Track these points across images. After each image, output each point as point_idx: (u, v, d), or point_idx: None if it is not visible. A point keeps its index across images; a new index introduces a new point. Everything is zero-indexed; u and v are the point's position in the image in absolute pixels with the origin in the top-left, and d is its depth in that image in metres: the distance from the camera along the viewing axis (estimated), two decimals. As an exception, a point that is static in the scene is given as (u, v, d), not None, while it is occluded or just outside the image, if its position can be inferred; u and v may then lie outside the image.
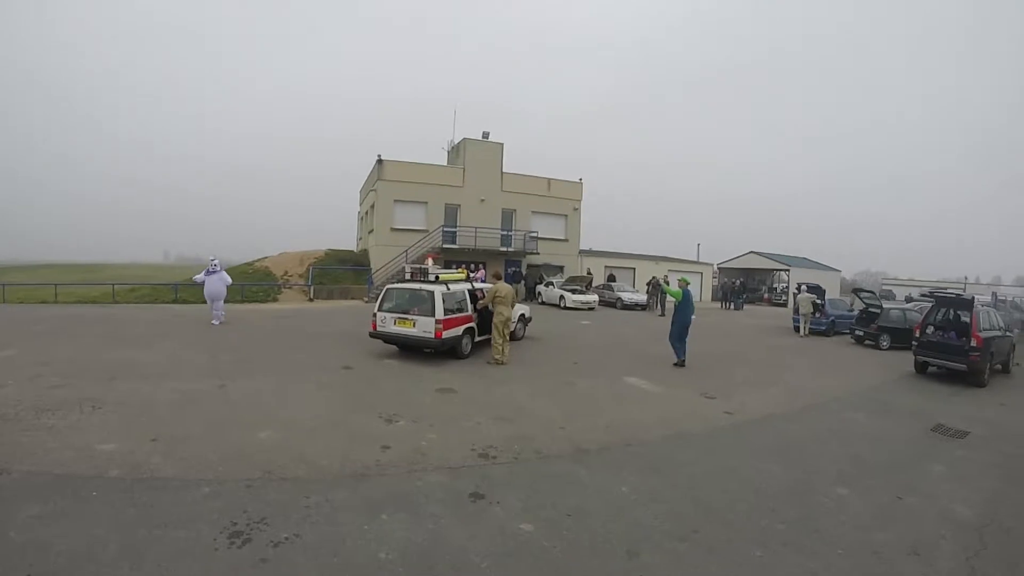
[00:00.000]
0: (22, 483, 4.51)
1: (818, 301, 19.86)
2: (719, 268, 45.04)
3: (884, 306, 18.47)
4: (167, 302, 21.26)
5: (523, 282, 26.15)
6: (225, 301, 15.23)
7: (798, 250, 52.61)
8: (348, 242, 39.60)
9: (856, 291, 20.94)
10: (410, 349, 10.83)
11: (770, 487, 5.26)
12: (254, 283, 24.70)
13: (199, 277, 15.07)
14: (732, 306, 32.10)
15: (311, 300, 23.55)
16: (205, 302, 15.24)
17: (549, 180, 31.04)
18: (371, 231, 28.85)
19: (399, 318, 10.42)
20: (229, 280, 15.42)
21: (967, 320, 11.92)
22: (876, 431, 7.59)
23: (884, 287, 50.45)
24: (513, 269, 28.11)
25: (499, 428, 6.60)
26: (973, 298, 12.61)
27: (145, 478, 4.69)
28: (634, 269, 34.36)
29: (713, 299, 38.18)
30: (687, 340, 11.54)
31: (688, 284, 11.93)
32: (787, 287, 40.66)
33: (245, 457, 5.25)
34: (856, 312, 19.64)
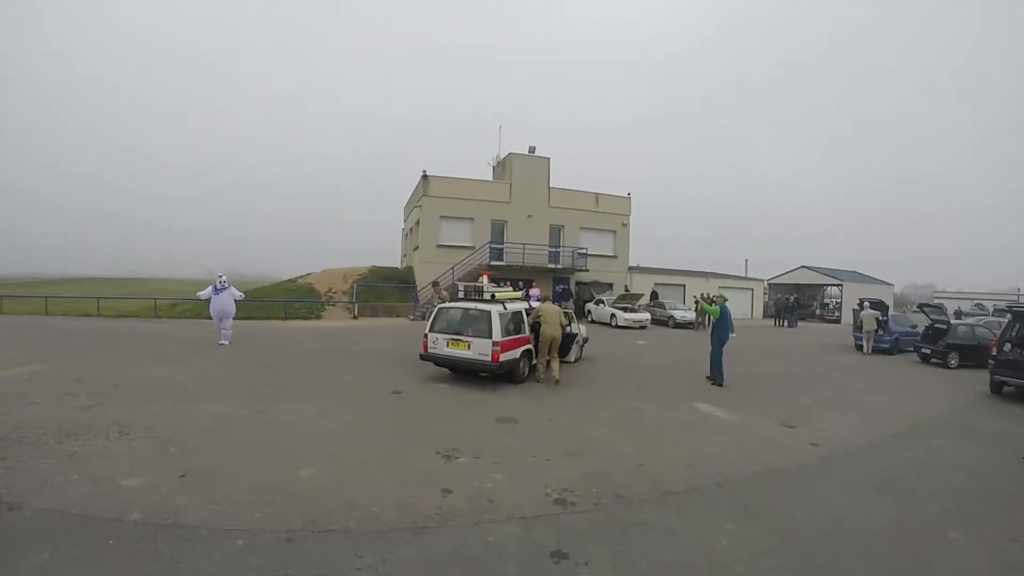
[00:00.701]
0: (34, 522, 3.94)
1: (881, 318, 18.65)
2: (769, 284, 43.26)
3: (951, 322, 17.07)
4: (209, 317, 21.13)
5: (572, 300, 25.14)
6: (235, 318, 14.22)
7: (844, 262, 50.32)
8: (392, 259, 39.47)
9: (922, 306, 19.55)
10: (463, 373, 10.04)
11: (878, 532, 4.56)
12: (297, 300, 24.52)
13: (204, 294, 13.89)
14: (786, 323, 30.42)
15: (355, 318, 23.17)
16: (240, 319, 14.47)
17: (597, 195, 30.23)
18: (416, 248, 28.48)
19: (452, 339, 9.66)
20: (240, 295, 14.39)
21: None
22: (968, 460, 6.83)
23: (936, 300, 47.62)
24: (562, 287, 27.22)
25: (571, 466, 5.73)
26: None
27: (170, 524, 3.99)
28: (684, 286, 32.99)
29: (765, 316, 36.50)
30: (723, 359, 10.94)
31: (726, 300, 11.30)
32: (840, 302, 38.75)
33: (285, 500, 4.50)
34: (920, 329, 18.27)
